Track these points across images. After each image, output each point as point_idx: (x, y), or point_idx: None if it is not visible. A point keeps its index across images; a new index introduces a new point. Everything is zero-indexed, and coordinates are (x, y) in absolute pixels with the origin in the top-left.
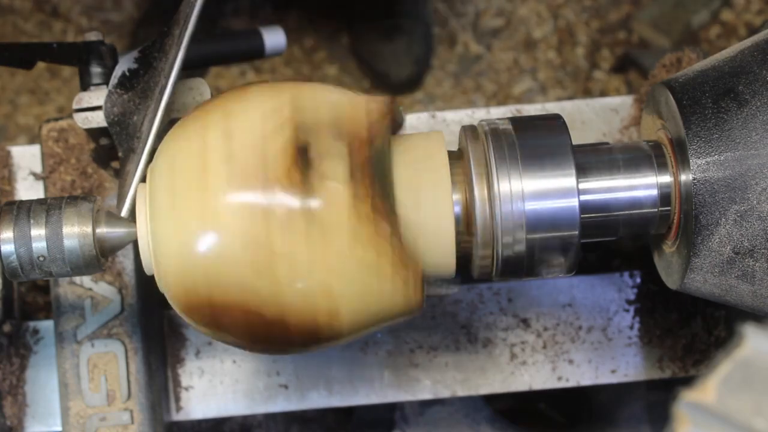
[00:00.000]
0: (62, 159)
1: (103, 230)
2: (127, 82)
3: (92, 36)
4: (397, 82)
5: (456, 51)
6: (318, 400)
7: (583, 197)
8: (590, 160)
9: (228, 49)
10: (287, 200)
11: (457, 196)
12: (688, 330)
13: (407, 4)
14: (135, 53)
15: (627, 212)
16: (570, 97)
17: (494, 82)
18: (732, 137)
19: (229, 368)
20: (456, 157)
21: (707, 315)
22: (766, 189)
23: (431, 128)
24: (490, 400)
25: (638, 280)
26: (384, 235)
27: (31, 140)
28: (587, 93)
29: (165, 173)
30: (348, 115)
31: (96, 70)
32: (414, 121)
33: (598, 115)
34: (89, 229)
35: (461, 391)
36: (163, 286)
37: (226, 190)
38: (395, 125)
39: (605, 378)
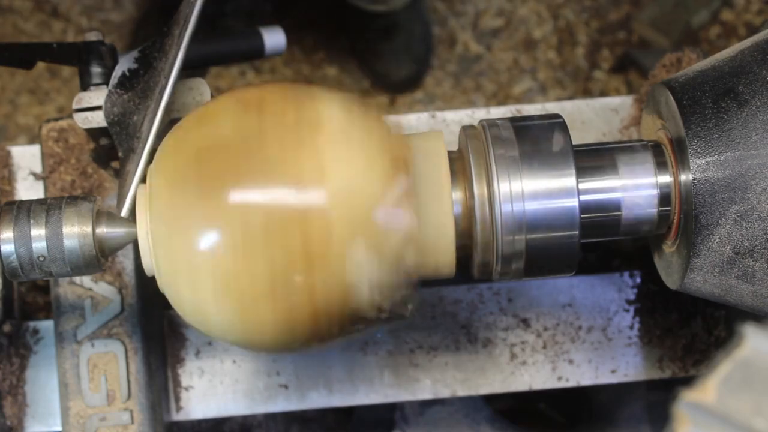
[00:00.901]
0: (62, 159)
1: (103, 230)
2: (127, 82)
3: (92, 36)
4: (397, 82)
5: (456, 51)
6: (318, 400)
7: (583, 197)
8: (590, 160)
9: (228, 49)
10: (289, 198)
11: (457, 196)
12: (688, 330)
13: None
14: (135, 53)
15: (627, 212)
16: (570, 97)
17: (494, 82)
18: (732, 137)
19: (229, 368)
20: (456, 157)
21: (707, 315)
22: (766, 189)
23: (431, 128)
24: (490, 400)
25: (638, 280)
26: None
27: (31, 140)
28: (587, 93)
29: (165, 173)
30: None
31: (96, 70)
32: (414, 121)
33: (598, 115)
34: (89, 229)
35: (461, 391)
36: (163, 286)
37: (228, 190)
38: (395, 127)
39: (605, 378)
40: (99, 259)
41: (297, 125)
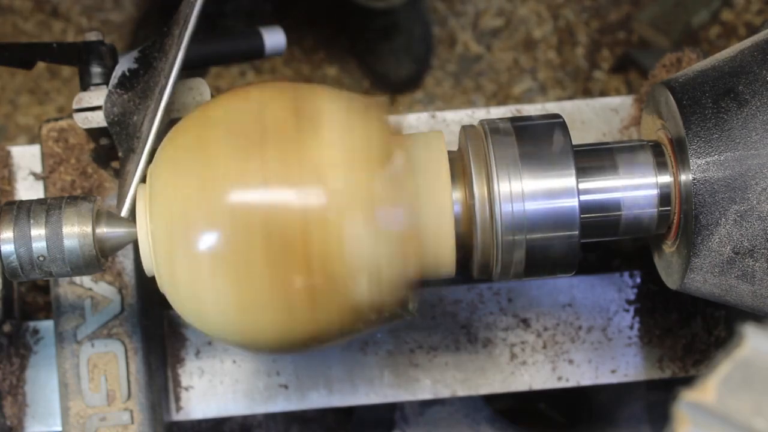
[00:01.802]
0: (62, 159)
1: (103, 230)
2: (127, 82)
3: (92, 36)
4: (397, 82)
5: (456, 51)
6: (318, 400)
7: (583, 197)
8: (590, 160)
9: (228, 49)
10: (290, 199)
11: (457, 196)
12: (688, 330)
13: (406, 3)
14: (135, 53)
15: (627, 212)
16: (570, 97)
17: (494, 82)
18: (732, 137)
19: (229, 368)
20: (456, 157)
21: (707, 315)
22: (766, 189)
23: (431, 128)
24: (490, 400)
25: (638, 280)
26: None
27: (31, 140)
28: (587, 93)
29: (165, 173)
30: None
31: (96, 70)
32: (414, 121)
33: (598, 115)
34: (89, 229)
35: (461, 391)
36: (163, 286)
37: (228, 190)
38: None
39: (605, 378)
40: (99, 259)
41: (297, 125)
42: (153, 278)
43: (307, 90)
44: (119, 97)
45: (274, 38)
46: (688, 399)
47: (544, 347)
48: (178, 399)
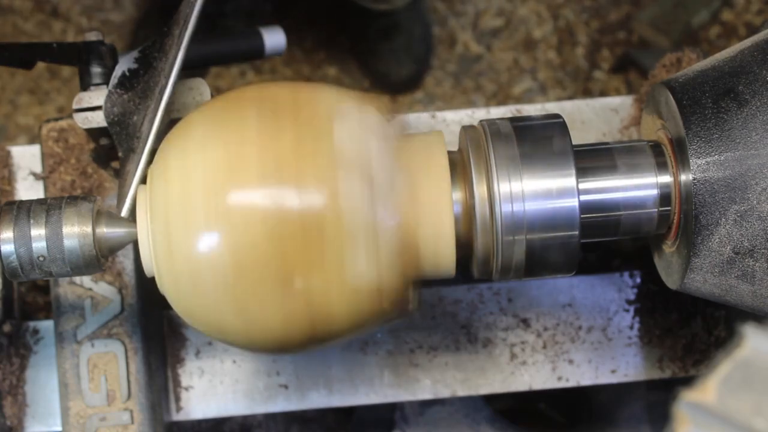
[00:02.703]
0: (62, 159)
1: (103, 230)
2: (127, 82)
3: (92, 36)
4: (397, 82)
5: (456, 51)
6: (318, 400)
7: (583, 197)
8: (590, 160)
9: (228, 49)
10: (290, 200)
11: (457, 196)
12: (688, 330)
13: (406, 4)
14: (135, 53)
15: (627, 212)
16: (570, 97)
17: (494, 82)
18: (732, 137)
19: (229, 368)
20: (456, 157)
21: (707, 315)
22: (766, 189)
23: (431, 128)
24: (490, 400)
25: (638, 280)
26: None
27: (31, 140)
28: (587, 93)
29: (165, 174)
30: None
31: (96, 70)
32: (414, 121)
33: (598, 115)
34: (89, 229)
35: (461, 391)
36: (163, 287)
37: (228, 191)
38: (396, 127)
39: (605, 378)
40: (99, 259)
41: (296, 126)
42: (153, 278)
43: (307, 90)
44: (119, 97)
45: (274, 38)
46: (688, 399)
47: (544, 347)
48: (178, 399)
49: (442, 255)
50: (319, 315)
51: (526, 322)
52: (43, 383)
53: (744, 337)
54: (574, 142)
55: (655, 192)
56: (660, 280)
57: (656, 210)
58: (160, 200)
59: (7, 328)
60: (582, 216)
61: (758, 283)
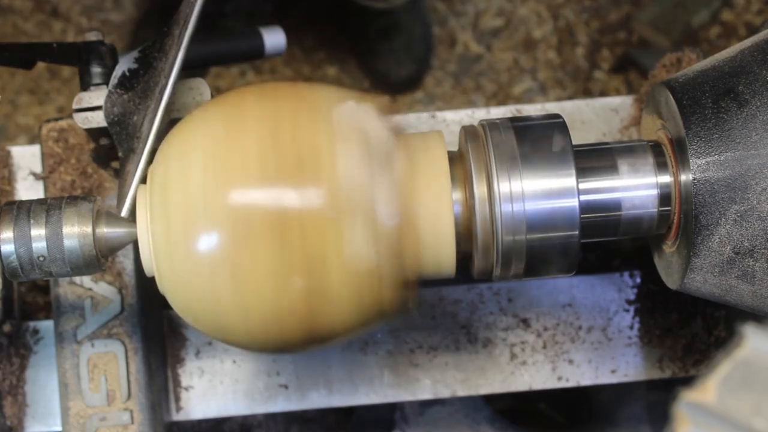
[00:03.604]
0: (62, 159)
1: (103, 230)
2: (127, 82)
3: (92, 36)
4: (397, 82)
5: (456, 51)
6: (318, 400)
7: (583, 197)
8: (590, 160)
9: (228, 49)
10: (290, 199)
11: (457, 196)
12: (688, 330)
13: (406, 3)
14: (135, 53)
15: (627, 212)
16: (570, 97)
17: (494, 82)
18: (732, 137)
19: (229, 368)
20: (456, 157)
21: (707, 315)
22: (766, 189)
23: (431, 128)
24: (490, 400)
25: (638, 280)
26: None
27: (31, 140)
28: (587, 93)
29: (165, 174)
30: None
31: (96, 70)
32: (414, 121)
33: (598, 115)
34: (89, 229)
35: (461, 391)
36: (163, 287)
37: (228, 190)
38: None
39: (605, 378)
40: (99, 259)
41: (295, 126)
42: (153, 278)
43: (307, 89)
44: (119, 97)
45: (274, 38)
46: (688, 399)
47: (544, 347)
48: (178, 399)
49: (442, 255)
50: (319, 312)
51: (526, 322)
52: (43, 383)
53: (744, 337)
54: (574, 142)
55: (655, 192)
56: (660, 280)
57: (656, 210)
58: (160, 200)
59: (7, 328)
60: (582, 216)
61: (758, 283)
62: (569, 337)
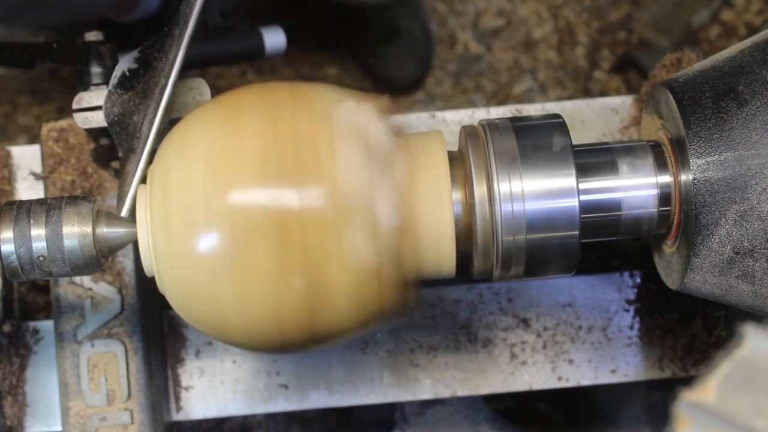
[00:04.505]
0: (62, 159)
1: (103, 230)
2: (127, 82)
3: (92, 36)
4: (401, 85)
5: (456, 51)
6: (318, 400)
7: (583, 197)
8: (590, 160)
9: (228, 49)
10: (290, 198)
11: (457, 196)
12: (688, 330)
13: (405, 5)
14: (135, 53)
15: (627, 212)
16: (570, 97)
17: (494, 82)
18: (732, 137)
19: (229, 368)
20: (456, 157)
21: (707, 315)
22: (766, 189)
23: (431, 128)
24: (490, 400)
25: (638, 280)
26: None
27: (31, 140)
28: (587, 93)
29: (166, 174)
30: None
31: (96, 70)
32: (414, 121)
33: (598, 115)
34: (89, 229)
35: (461, 391)
36: (163, 286)
37: (227, 190)
38: (396, 127)
39: (605, 378)
40: (99, 259)
41: (295, 126)
42: (153, 278)
43: (307, 88)
44: (119, 97)
45: (274, 38)
46: (688, 399)
47: (544, 347)
48: (178, 399)
49: (443, 255)
50: (319, 312)
51: (526, 322)
52: (43, 383)
53: (744, 337)
54: (574, 142)
55: (655, 192)
56: (660, 280)
57: (656, 210)
58: (160, 200)
59: (7, 328)
60: (582, 216)
61: (758, 283)
62: (569, 337)
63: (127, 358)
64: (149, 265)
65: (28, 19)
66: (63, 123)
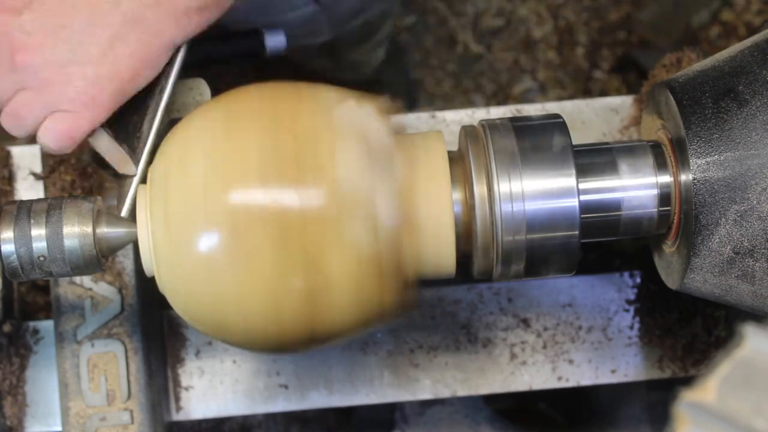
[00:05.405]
0: (62, 159)
1: (103, 230)
2: None
3: None
4: None
5: (456, 51)
6: (318, 400)
7: (583, 197)
8: (590, 160)
9: (228, 49)
10: (290, 198)
11: (457, 196)
12: (688, 330)
13: (385, 62)
14: None
15: (627, 212)
16: (570, 97)
17: (494, 82)
18: (732, 137)
19: (229, 368)
20: (456, 157)
21: (707, 315)
22: (766, 189)
23: (431, 128)
24: (490, 400)
25: (638, 280)
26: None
27: (31, 140)
28: (587, 93)
29: (166, 174)
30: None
31: None
32: (414, 121)
33: (598, 115)
34: (89, 229)
35: (461, 391)
36: (163, 286)
37: (228, 190)
38: (396, 127)
39: (605, 378)
40: (99, 259)
41: (295, 126)
42: (153, 278)
43: (307, 88)
44: None
45: (274, 38)
46: (688, 399)
47: (544, 347)
48: (178, 399)
49: (442, 255)
50: (319, 312)
51: (526, 322)
52: (43, 383)
53: (744, 337)
54: (574, 142)
55: (655, 192)
56: (660, 280)
57: (656, 210)
58: (160, 200)
59: (7, 328)
60: (582, 216)
61: (758, 283)
62: (569, 337)
63: (127, 358)
64: (149, 265)
65: None
66: None
